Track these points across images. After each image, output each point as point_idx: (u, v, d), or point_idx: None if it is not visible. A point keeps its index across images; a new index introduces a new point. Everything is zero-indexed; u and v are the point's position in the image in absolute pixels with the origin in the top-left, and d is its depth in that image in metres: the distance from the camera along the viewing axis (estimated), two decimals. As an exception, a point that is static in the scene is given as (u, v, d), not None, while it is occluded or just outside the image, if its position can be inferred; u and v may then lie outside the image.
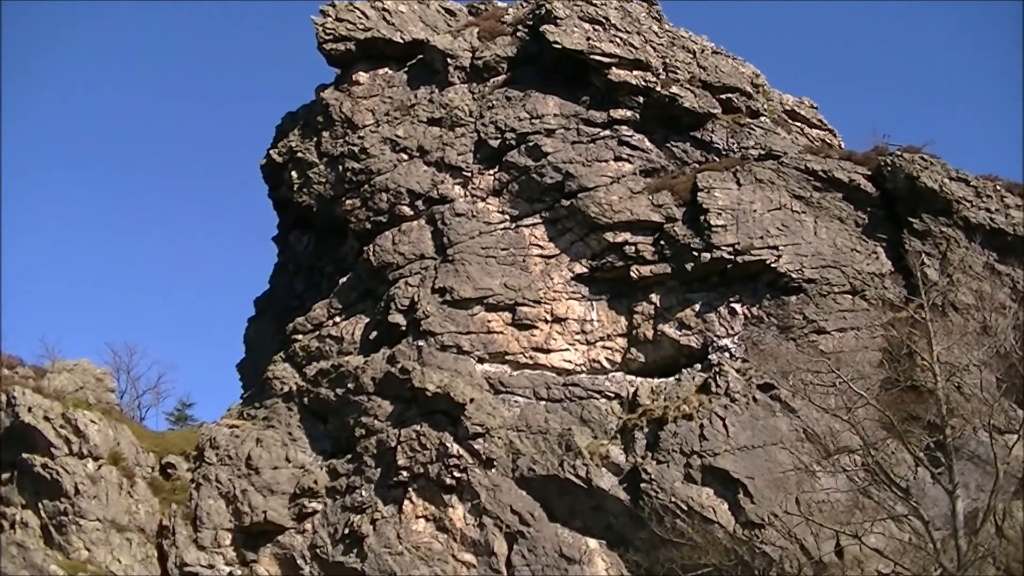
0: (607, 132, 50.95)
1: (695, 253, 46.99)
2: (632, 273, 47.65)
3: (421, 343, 47.42)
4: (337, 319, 51.39)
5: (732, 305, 46.76)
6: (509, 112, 51.94)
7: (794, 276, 46.45)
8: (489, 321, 47.81)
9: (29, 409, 48.39)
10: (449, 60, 54.41)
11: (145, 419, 70.13)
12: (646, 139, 51.31)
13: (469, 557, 43.63)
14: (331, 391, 49.20)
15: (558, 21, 52.32)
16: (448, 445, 44.94)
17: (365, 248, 51.44)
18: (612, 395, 46.31)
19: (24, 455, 47.81)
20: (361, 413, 47.56)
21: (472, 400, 45.41)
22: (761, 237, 47.14)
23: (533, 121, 51.35)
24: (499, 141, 51.33)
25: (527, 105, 51.95)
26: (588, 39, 51.90)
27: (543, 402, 46.11)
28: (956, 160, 59.49)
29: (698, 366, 46.19)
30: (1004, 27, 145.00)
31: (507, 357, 47.36)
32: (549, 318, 47.79)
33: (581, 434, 44.69)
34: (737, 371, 44.66)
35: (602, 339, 47.55)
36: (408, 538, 44.30)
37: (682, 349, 46.73)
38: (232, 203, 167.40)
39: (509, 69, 53.75)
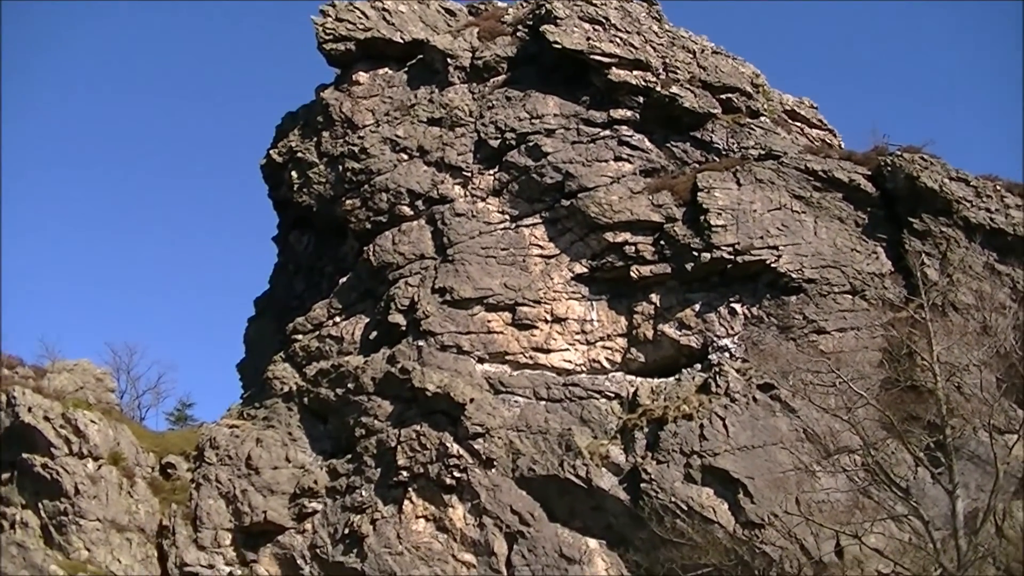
0: (607, 132, 50.95)
1: (695, 253, 46.99)
2: (632, 273, 47.65)
3: (421, 343, 47.42)
4: (337, 319, 51.39)
5: (732, 305, 46.76)
6: (509, 112, 51.94)
7: (794, 276, 46.45)
8: (489, 321, 47.82)
9: (29, 409, 48.39)
10: (449, 60, 54.41)
11: (145, 419, 70.21)
12: (646, 139, 51.31)
13: (469, 557, 43.63)
14: (331, 391, 49.21)
15: (558, 21, 52.32)
16: (448, 445, 44.94)
17: (365, 248, 51.44)
18: (612, 395, 46.31)
19: (24, 455, 47.81)
20: (361, 413, 47.56)
21: (472, 400, 45.41)
22: (761, 237, 47.14)
23: (533, 121, 51.36)
24: (499, 141, 51.33)
25: (527, 105, 51.95)
26: (588, 39, 51.91)
27: (543, 402, 46.11)
28: (956, 160, 59.44)
29: (698, 366, 46.18)
30: (1004, 27, 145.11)
31: (507, 357, 47.36)
32: (549, 318, 47.80)
33: (581, 434, 44.69)
34: (737, 371, 44.66)
35: (602, 339, 47.56)
36: (408, 538, 44.30)
37: (682, 349, 46.73)
38: (232, 203, 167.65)
39: (509, 69, 53.75)
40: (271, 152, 57.74)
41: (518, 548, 42.98)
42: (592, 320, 47.82)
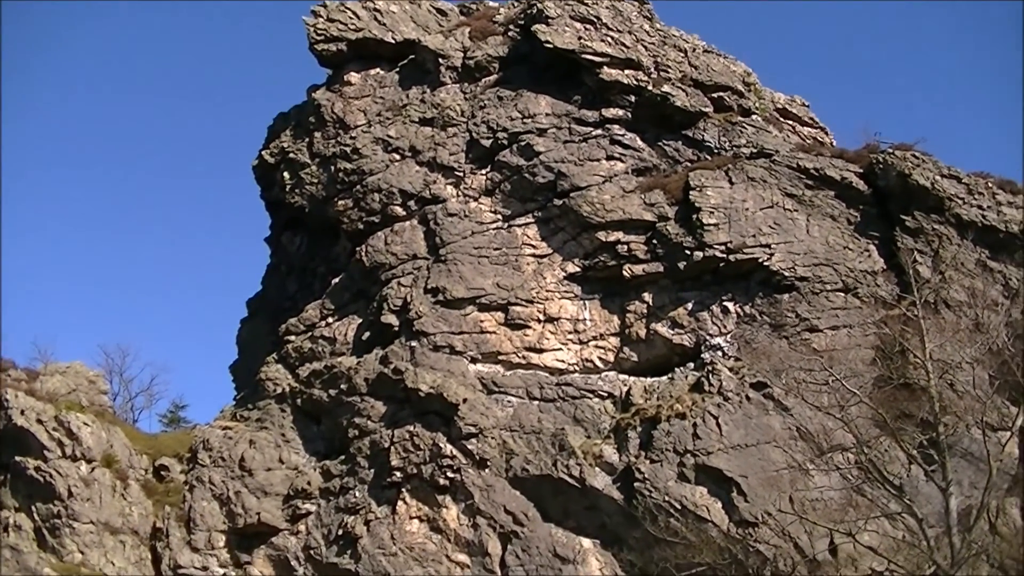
0: (599, 131, 50.97)
1: (687, 252, 47.00)
2: (624, 272, 47.65)
3: (414, 343, 47.40)
4: (330, 320, 51.35)
5: (725, 304, 46.77)
6: (501, 112, 51.93)
7: (786, 274, 46.46)
8: (482, 321, 47.80)
9: (22, 412, 48.39)
10: (441, 60, 54.39)
11: (138, 421, 70.07)
12: (638, 138, 51.32)
13: (463, 557, 43.61)
14: (324, 392, 49.16)
15: (549, 21, 52.32)
16: (441, 445, 44.91)
17: (357, 248, 51.40)
18: (605, 394, 46.31)
19: (17, 458, 47.81)
20: (354, 414, 47.52)
21: (465, 400, 45.40)
22: (753, 235, 47.15)
23: (525, 120, 51.35)
24: (491, 141, 51.33)
25: (519, 105, 51.95)
26: (579, 38, 51.90)
27: (536, 402, 46.11)
28: (951, 158, 59.58)
29: (691, 365, 46.19)
30: (999, 24, 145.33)
31: (500, 357, 47.35)
32: (542, 318, 47.80)
33: (574, 434, 44.69)
34: (730, 370, 44.66)
35: (595, 338, 47.56)
36: (402, 539, 44.27)
37: (675, 348, 46.73)
38: (226, 204, 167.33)
39: (501, 69, 53.76)
40: (263, 153, 57.68)
41: (512, 548, 42.96)
42: (585, 319, 47.83)
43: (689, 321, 46.75)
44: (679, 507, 41.14)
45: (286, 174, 55.49)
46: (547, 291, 48.15)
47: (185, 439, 53.48)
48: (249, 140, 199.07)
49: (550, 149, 50.31)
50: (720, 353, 45.78)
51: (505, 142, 51.10)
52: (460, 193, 50.93)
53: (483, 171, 51.18)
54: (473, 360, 47.28)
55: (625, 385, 46.35)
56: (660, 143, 51.57)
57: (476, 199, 50.58)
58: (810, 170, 49.27)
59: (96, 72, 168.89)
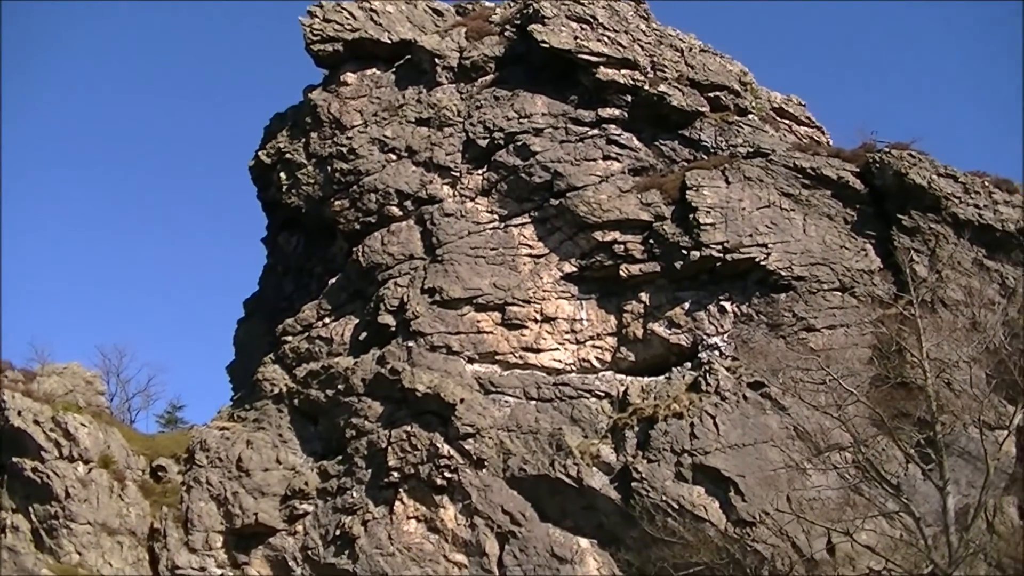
0: (595, 131, 50.94)
1: (684, 251, 46.99)
2: (621, 272, 47.65)
3: (411, 343, 47.37)
4: (327, 320, 51.32)
5: (722, 303, 46.77)
6: (497, 112, 51.90)
7: (783, 274, 46.47)
8: (479, 321, 47.78)
9: (19, 413, 48.37)
10: (437, 60, 54.34)
11: (135, 422, 70.30)
12: (634, 138, 51.29)
13: (460, 557, 43.60)
14: (321, 392, 49.14)
15: (546, 20, 52.28)
16: (439, 445, 44.89)
17: (354, 249, 51.37)
18: (602, 394, 46.32)
19: (14, 459, 47.81)
20: (351, 414, 47.51)
21: (462, 400, 45.36)
22: (750, 235, 47.16)
23: (521, 120, 51.33)
24: (487, 141, 51.30)
25: (515, 104, 51.92)
26: (576, 38, 51.88)
27: (533, 402, 46.11)
28: (947, 157, 59.55)
29: (688, 364, 46.19)
30: (998, 24, 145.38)
31: (497, 357, 47.33)
32: (539, 318, 47.78)
33: (572, 434, 44.68)
34: (727, 369, 44.66)
35: (592, 338, 47.56)
36: (399, 539, 44.25)
37: (672, 348, 46.73)
38: (223, 204, 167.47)
39: (497, 69, 53.71)
40: (259, 153, 57.61)
41: (509, 548, 42.96)
42: (582, 319, 47.83)
43: (686, 321, 46.75)
44: (676, 507, 41.15)
45: (282, 174, 55.43)
46: (544, 291, 48.14)
47: (182, 440, 53.50)
48: (246, 140, 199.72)
49: (546, 149, 50.30)
50: (717, 353, 45.78)
51: (501, 142, 51.08)
52: (457, 193, 50.91)
53: (479, 171, 51.15)
54: (470, 360, 47.27)
55: (622, 385, 46.35)
56: (656, 143, 51.55)
57: (473, 199, 50.56)
58: (807, 169, 49.28)
59: (95, 72, 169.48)
